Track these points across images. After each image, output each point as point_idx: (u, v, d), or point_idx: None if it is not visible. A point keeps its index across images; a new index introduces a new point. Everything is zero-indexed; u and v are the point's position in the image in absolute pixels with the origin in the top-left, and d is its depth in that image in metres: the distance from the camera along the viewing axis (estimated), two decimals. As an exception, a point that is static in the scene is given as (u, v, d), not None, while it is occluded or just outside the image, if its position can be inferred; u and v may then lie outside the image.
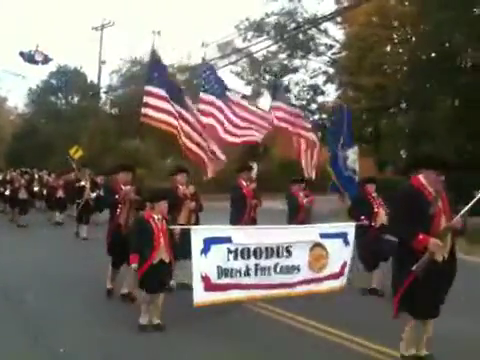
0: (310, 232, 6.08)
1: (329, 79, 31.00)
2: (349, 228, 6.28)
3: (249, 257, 5.53)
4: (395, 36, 20.84)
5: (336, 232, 6.15)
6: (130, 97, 37.55)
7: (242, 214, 7.79)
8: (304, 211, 8.48)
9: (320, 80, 32.17)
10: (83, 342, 5.02)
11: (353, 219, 7.33)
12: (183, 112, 7.67)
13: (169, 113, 7.37)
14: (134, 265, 5.44)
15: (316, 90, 32.61)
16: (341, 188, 9.61)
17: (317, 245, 5.90)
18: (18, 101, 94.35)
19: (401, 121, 22.58)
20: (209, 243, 5.28)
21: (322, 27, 28.31)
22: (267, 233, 5.88)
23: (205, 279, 5.24)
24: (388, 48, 20.51)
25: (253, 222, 7.97)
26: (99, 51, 27.95)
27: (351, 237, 6.17)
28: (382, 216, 7.31)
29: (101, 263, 6.98)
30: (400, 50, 20.26)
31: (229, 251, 5.42)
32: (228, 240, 5.42)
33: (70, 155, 24.11)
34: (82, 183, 12.51)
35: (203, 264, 5.25)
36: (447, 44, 17.65)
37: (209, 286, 5.27)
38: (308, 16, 28.58)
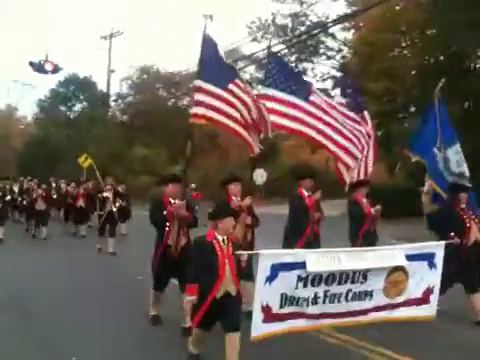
0: (396, 255, 5.19)
1: (337, 83, 30.88)
2: (438, 248, 5.44)
3: (320, 284, 4.83)
4: (403, 40, 20.71)
5: (422, 253, 5.36)
6: (140, 104, 37.97)
7: (304, 228, 6.87)
8: (370, 220, 7.25)
9: (328, 84, 32.04)
10: (96, 352, 5.01)
11: (438, 235, 6.47)
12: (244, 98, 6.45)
13: (220, 111, 6.33)
14: (191, 297, 4.59)
15: (325, 94, 32.45)
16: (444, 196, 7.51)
17: (397, 269, 5.15)
18: (28, 110, 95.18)
19: (411, 125, 22.43)
20: (276, 270, 4.59)
21: (330, 31, 28.21)
22: (348, 257, 4.99)
23: (266, 309, 4.58)
24: (396, 52, 20.37)
25: (316, 238, 7.05)
26: (108, 60, 28.08)
27: (439, 259, 5.37)
28: (476, 232, 6.39)
29: (118, 275, 6.98)
30: (408, 54, 20.11)
31: (299, 278, 4.72)
32: (301, 266, 4.70)
33: (80, 164, 24.35)
34: (105, 194, 11.80)
35: (266, 293, 4.58)
36: (454, 47, 17.51)
37: (269, 317, 4.63)
38: (316, 19, 28.51)
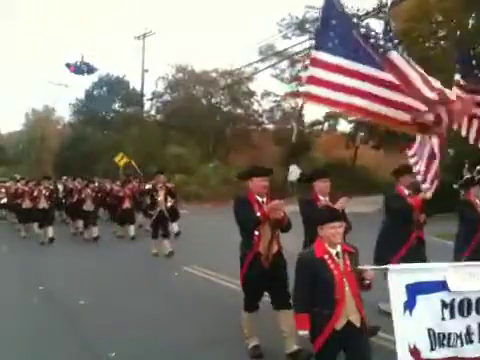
0: None
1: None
2: None
3: (469, 312, 3.73)
4: (439, 31, 20.12)
5: None
6: (175, 103, 38.36)
7: (405, 234, 5.90)
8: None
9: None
10: (134, 348, 5.04)
11: None
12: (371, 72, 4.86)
13: (339, 87, 4.84)
14: (303, 332, 3.54)
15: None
16: None
17: None
18: (64, 111, 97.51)
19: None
20: (414, 292, 3.56)
21: (363, 23, 27.71)
22: None
23: (414, 353, 3.53)
24: (432, 43, 19.82)
25: (420, 246, 6.04)
26: (142, 60, 28.44)
27: None
28: None
29: (159, 273, 6.88)
30: (445, 45, 19.51)
31: (444, 304, 3.67)
32: (442, 286, 3.65)
33: (116, 162, 24.81)
34: (159, 197, 10.56)
35: (409, 328, 3.55)
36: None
37: None
38: (350, 12, 28.03)
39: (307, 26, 29.23)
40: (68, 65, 19.03)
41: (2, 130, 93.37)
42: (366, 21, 27.51)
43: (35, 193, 12.52)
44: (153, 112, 39.65)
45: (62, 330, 5.57)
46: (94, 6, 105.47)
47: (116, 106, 45.55)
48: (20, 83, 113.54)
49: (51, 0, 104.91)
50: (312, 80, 4.81)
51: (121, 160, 24.73)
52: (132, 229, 13.75)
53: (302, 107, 38.71)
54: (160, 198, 10.48)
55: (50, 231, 12.39)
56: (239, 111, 39.72)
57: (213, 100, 38.70)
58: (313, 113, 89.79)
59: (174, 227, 13.58)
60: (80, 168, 34.49)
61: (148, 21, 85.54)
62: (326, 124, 34.62)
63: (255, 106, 39.55)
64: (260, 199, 4.90)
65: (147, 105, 38.66)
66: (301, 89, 5.01)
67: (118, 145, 33.40)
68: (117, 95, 44.28)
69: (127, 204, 13.81)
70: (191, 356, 4.91)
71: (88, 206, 13.20)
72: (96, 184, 15.61)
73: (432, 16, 19.57)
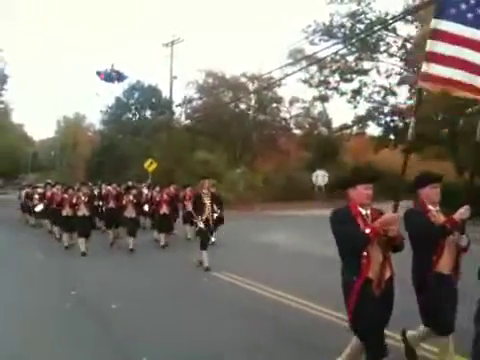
0: None
1: (402, 80, 29.96)
2: None
3: None
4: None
5: None
6: (204, 109, 38.75)
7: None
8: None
9: (392, 81, 31.18)
10: (164, 352, 5.08)
11: None
12: None
13: (462, 64, 3.87)
14: None
15: (388, 91, 31.61)
16: None
17: None
18: (95, 118, 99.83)
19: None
20: None
21: (391, 27, 27.42)
22: None
23: None
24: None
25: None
26: (170, 66, 28.81)
27: None
28: None
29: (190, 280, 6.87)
30: None
31: None
32: None
33: (146, 168, 25.23)
34: (206, 200, 9.44)
35: None
36: None
37: None
38: (375, 17, 27.83)
39: (334, 31, 29.09)
40: (98, 73, 19.42)
41: (35, 137, 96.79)
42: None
43: (74, 200, 11.73)
44: (182, 118, 40.14)
45: (94, 334, 5.65)
46: (123, 16, 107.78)
47: (147, 113, 46.34)
48: (52, 91, 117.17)
49: (83, 11, 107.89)
50: (432, 57, 3.86)
51: (150, 166, 25.11)
52: (166, 236, 12.91)
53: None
54: (207, 206, 9.38)
55: (84, 243, 11.38)
56: (266, 117, 39.76)
57: (241, 106, 38.88)
58: (341, 117, 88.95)
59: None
60: (111, 174, 35.16)
61: (176, 28, 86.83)
62: (356, 128, 34.24)
63: (282, 112, 39.58)
64: (364, 211, 3.89)
65: (177, 111, 39.12)
66: (422, 70, 3.89)
67: (148, 151, 33.91)
68: (148, 102, 45.04)
69: (165, 209, 13.03)
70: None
71: (130, 212, 12.24)
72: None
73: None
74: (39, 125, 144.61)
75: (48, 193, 15.54)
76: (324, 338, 5.28)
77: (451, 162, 28.13)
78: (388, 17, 25.93)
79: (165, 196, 13.23)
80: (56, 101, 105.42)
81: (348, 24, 28.47)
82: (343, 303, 3.82)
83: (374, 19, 27.60)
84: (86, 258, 10.97)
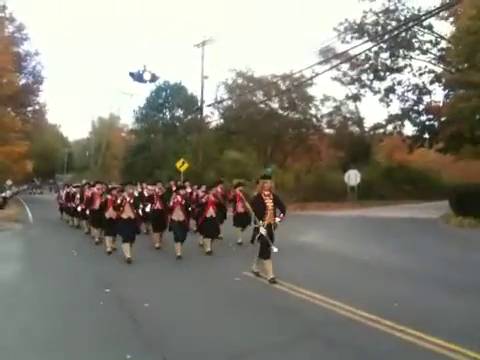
0: None
1: (436, 78, 29.24)
2: None
3: None
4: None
5: None
6: (235, 108, 38.88)
7: None
8: None
9: (426, 79, 30.46)
10: (195, 348, 5.13)
11: None
12: None
13: None
14: None
15: (422, 90, 30.92)
16: None
17: None
18: (129, 119, 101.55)
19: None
20: None
21: (425, 23, 26.84)
22: None
23: None
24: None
25: None
26: (201, 67, 29.03)
27: None
28: None
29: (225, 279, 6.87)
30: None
31: None
32: None
33: (177, 168, 25.51)
34: (268, 203, 8.27)
35: None
36: None
37: None
38: (409, 13, 27.26)
39: (366, 29, 28.65)
40: (131, 74, 19.69)
41: (70, 138, 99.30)
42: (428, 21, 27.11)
43: (119, 201, 10.65)
44: (214, 117, 40.34)
45: (125, 331, 5.77)
46: (155, 18, 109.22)
47: (178, 113, 46.83)
48: (87, 92, 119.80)
49: (116, 13, 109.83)
50: None
51: (182, 166, 25.37)
52: (208, 242, 11.50)
53: None
54: (269, 209, 8.30)
55: (128, 249, 10.35)
56: (297, 116, 39.52)
57: (272, 105, 38.80)
58: (373, 116, 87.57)
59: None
60: (143, 174, 35.71)
61: (207, 29, 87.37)
62: (390, 127, 33.61)
63: (313, 110, 39.23)
64: None
65: (206, 111, 39.39)
66: None
67: (179, 151, 34.28)
68: (176, 102, 45.52)
69: (212, 212, 11.59)
70: (251, 358, 4.95)
71: (178, 215, 10.95)
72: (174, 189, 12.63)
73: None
74: (74, 126, 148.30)
75: (88, 193, 14.70)
76: (354, 337, 5.28)
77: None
78: (421, 13, 25.35)
79: (212, 197, 11.81)
80: (90, 102, 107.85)
81: (381, 21, 28.02)
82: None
83: (408, 16, 27.07)
84: (119, 257, 10.76)
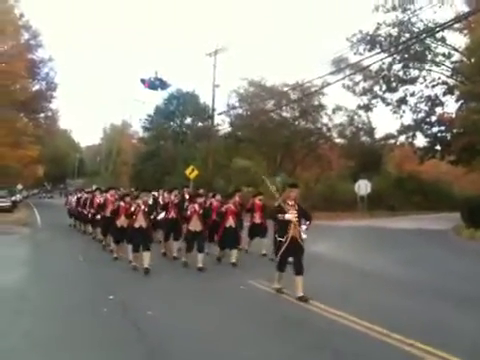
0: None
1: (449, 89, 29.03)
2: None
3: None
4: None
5: None
6: (246, 116, 38.89)
7: None
8: None
9: (439, 91, 30.25)
10: (198, 357, 5.06)
11: None
12: None
13: None
14: None
15: (434, 101, 30.70)
16: None
17: None
18: (140, 126, 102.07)
19: None
20: None
21: (438, 35, 26.69)
22: None
23: None
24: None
25: None
26: (213, 75, 29.10)
27: None
28: None
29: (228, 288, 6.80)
30: None
31: None
32: None
33: (187, 175, 25.47)
34: (288, 216, 7.49)
35: None
36: None
37: None
38: (422, 26, 27.14)
39: (379, 40, 28.56)
40: (143, 81, 19.76)
41: (82, 144, 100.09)
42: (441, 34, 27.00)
43: (132, 209, 10.13)
44: (225, 125, 40.37)
45: (127, 338, 5.71)
46: (167, 25, 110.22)
47: (188, 120, 47.01)
48: (99, 100, 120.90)
49: (128, 20, 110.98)
50: None
51: (192, 173, 25.34)
52: (235, 254, 10.68)
53: None
54: (293, 222, 7.52)
55: (147, 259, 9.68)
56: (308, 125, 39.46)
57: (283, 114, 38.75)
58: (385, 126, 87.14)
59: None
60: (153, 180, 35.80)
61: (219, 37, 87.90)
62: (402, 137, 33.41)
63: (325, 120, 39.15)
64: None
65: (218, 119, 39.39)
66: None
67: (189, 158, 34.32)
68: (188, 110, 45.71)
69: (231, 222, 10.85)
70: None
71: (195, 225, 10.30)
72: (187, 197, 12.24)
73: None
74: (86, 131, 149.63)
75: (99, 199, 14.47)
76: (362, 349, 5.16)
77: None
78: (435, 26, 25.20)
79: (232, 206, 11.00)
80: (103, 108, 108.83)
81: (394, 33, 27.94)
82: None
83: (421, 28, 26.95)
84: (124, 264, 10.63)
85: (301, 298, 7.24)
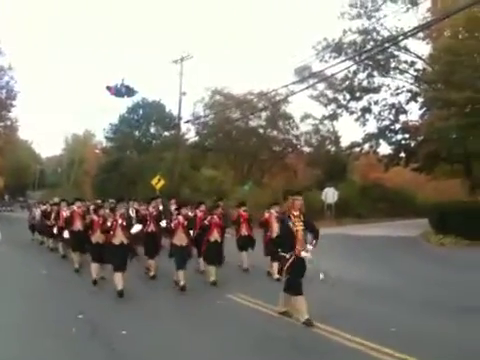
0: None
1: (413, 97, 29.58)
2: None
3: None
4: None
5: None
6: (212, 126, 38.54)
7: None
8: None
9: (403, 99, 30.79)
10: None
11: None
12: None
13: None
14: None
15: (398, 109, 31.22)
16: None
17: None
18: (102, 135, 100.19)
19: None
20: None
21: (402, 44, 27.20)
22: None
23: None
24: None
25: None
26: (179, 83, 28.63)
27: None
28: None
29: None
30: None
31: None
32: None
33: (153, 185, 24.82)
34: (299, 226, 6.66)
35: None
36: None
37: None
38: (386, 34, 27.64)
39: (344, 47, 28.86)
40: (109, 88, 19.10)
41: (42, 154, 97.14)
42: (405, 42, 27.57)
43: (108, 223, 9.03)
44: (191, 134, 39.92)
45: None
46: (132, 32, 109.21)
47: (152, 130, 46.26)
48: (61, 109, 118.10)
49: (92, 27, 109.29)
50: None
51: (158, 183, 24.74)
52: (213, 272, 9.79)
53: None
54: (300, 235, 6.66)
55: (121, 280, 8.58)
56: (275, 134, 39.51)
57: (250, 122, 38.67)
58: (352, 134, 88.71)
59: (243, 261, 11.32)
60: (117, 190, 34.83)
61: (185, 45, 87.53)
62: (366, 146, 33.78)
63: (293, 130, 39.30)
64: None
65: (184, 128, 38.86)
66: None
67: (154, 168, 33.62)
68: (153, 119, 45.01)
69: (216, 236, 10.04)
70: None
71: (180, 239, 9.38)
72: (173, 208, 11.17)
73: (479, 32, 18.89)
74: (47, 142, 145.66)
75: (65, 212, 13.21)
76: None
77: (463, 180, 27.62)
78: (399, 34, 25.66)
79: (217, 219, 10.16)
80: (64, 118, 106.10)
81: (359, 41, 28.30)
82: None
83: (386, 36, 27.40)
84: (99, 282, 9.76)
85: (308, 321, 6.33)
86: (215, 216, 10.13)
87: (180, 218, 9.49)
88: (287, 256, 6.55)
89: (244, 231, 11.57)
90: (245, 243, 11.50)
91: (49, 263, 12.96)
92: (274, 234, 10.33)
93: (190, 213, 10.91)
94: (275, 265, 8.53)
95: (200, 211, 11.13)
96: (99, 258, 9.83)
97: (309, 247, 6.63)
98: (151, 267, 10.76)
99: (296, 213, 6.72)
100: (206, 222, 10.07)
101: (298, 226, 6.62)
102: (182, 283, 9.00)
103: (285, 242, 6.67)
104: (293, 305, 6.66)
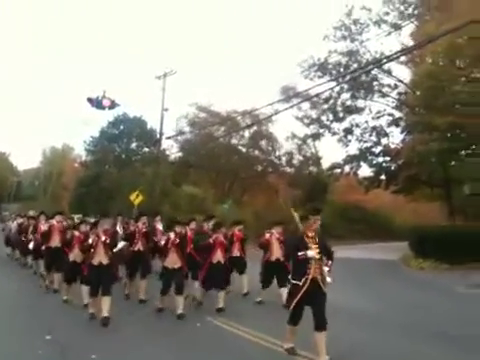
0: None
1: (394, 121, 29.94)
2: None
3: None
4: (468, 74, 19.67)
5: None
6: (194, 143, 38.32)
7: None
8: None
9: (384, 121, 31.14)
10: None
11: None
12: None
13: None
14: None
15: (379, 132, 31.54)
16: None
17: None
18: (82, 149, 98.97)
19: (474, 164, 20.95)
20: None
21: (385, 67, 27.61)
22: None
23: None
24: (460, 87, 19.35)
25: None
26: (162, 99, 28.36)
27: None
28: None
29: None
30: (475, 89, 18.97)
31: None
32: None
33: (132, 201, 24.36)
34: (314, 249, 6.07)
35: None
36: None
37: None
38: (370, 57, 28.06)
39: (329, 67, 29.19)
40: (89, 99, 18.74)
41: (19, 167, 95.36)
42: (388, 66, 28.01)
43: (90, 240, 8.21)
44: (173, 151, 39.60)
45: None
46: (114, 46, 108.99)
47: (133, 145, 45.79)
48: (39, 121, 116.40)
49: (72, 38, 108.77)
50: None
51: (136, 198, 24.32)
52: (222, 297, 9.02)
53: None
54: (315, 258, 6.01)
55: (106, 305, 7.84)
56: (257, 153, 39.51)
57: (232, 141, 38.62)
58: (334, 155, 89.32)
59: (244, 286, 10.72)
60: (95, 205, 34.17)
61: (169, 61, 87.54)
62: (347, 167, 33.96)
63: (275, 149, 39.37)
64: None
65: (165, 144, 38.52)
66: None
67: (134, 184, 33.14)
68: (133, 134, 44.58)
69: (220, 257, 9.25)
70: None
71: (173, 262, 8.62)
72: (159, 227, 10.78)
73: (460, 58, 19.20)
74: (24, 154, 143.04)
75: (43, 226, 12.30)
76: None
77: (442, 204, 27.89)
78: (383, 57, 26.06)
79: (222, 238, 9.45)
80: (43, 130, 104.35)
81: (343, 61, 28.65)
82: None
83: (369, 59, 27.81)
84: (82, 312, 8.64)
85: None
86: (220, 235, 9.46)
87: (172, 236, 8.71)
88: (300, 283, 5.91)
89: (235, 252, 10.78)
90: (234, 265, 10.70)
91: (20, 281, 12.46)
92: (273, 257, 9.99)
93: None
94: (284, 292, 8.08)
95: (190, 229, 10.56)
96: (73, 278, 9.31)
97: (326, 269, 6.09)
98: (140, 289, 10.08)
99: (311, 234, 6.20)
100: (211, 241, 9.26)
101: (314, 248, 6.02)
102: (180, 311, 8.29)
103: (298, 267, 6.02)
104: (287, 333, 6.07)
